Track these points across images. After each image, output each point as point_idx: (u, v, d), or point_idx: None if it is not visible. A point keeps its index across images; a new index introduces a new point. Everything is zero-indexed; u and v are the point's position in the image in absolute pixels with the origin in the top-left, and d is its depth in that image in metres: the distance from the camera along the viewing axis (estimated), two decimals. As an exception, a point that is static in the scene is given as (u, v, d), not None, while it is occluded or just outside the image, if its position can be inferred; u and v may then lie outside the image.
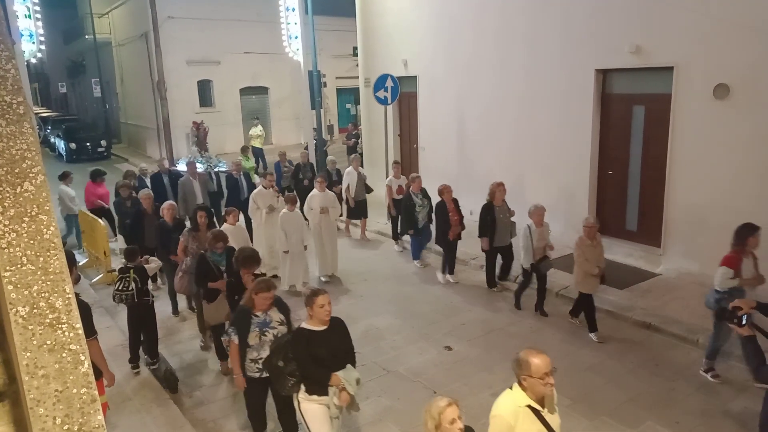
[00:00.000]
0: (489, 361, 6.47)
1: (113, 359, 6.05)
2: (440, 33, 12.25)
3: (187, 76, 22.41)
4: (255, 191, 9.48)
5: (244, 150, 14.93)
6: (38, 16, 13.55)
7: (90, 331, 4.42)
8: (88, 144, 24.10)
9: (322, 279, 9.15)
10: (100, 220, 9.54)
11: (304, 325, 4.27)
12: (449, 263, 9.02)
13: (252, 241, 8.78)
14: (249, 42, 22.57)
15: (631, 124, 9.21)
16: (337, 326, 4.33)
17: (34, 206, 1.92)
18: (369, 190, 11.34)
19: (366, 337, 7.10)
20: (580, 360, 6.53)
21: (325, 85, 23.41)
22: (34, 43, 13.35)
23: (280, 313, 4.69)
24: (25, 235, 1.87)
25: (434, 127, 12.84)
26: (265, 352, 4.49)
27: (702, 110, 7.99)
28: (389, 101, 11.99)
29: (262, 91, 24.85)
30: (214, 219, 10.27)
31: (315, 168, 12.65)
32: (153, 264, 6.71)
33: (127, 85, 26.92)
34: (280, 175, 12.39)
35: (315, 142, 15.85)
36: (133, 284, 6.14)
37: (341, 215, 10.74)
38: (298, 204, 9.03)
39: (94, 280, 9.29)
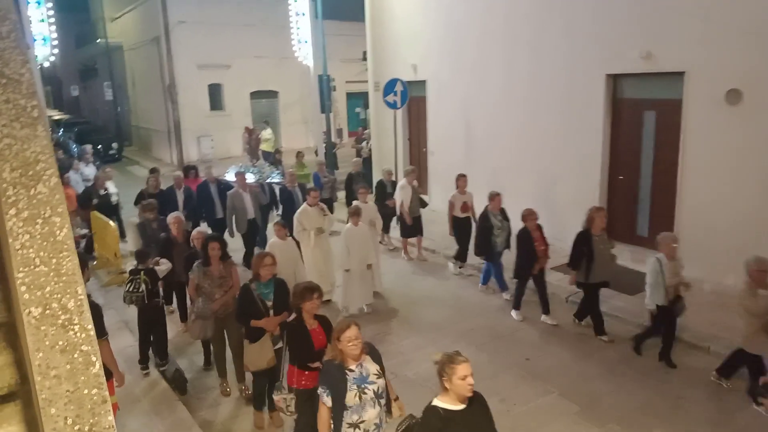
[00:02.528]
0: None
1: (123, 360, 6.09)
2: (449, 38, 12.26)
3: (197, 80, 22.57)
4: (299, 210, 8.41)
5: (298, 155, 13.69)
6: (52, 21, 13.70)
7: (101, 331, 4.45)
8: (99, 146, 24.27)
9: (365, 309, 8.17)
10: (110, 221, 9.60)
11: (437, 402, 3.35)
12: (543, 300, 7.65)
13: (302, 260, 7.89)
14: (259, 46, 22.70)
15: (642, 130, 9.17)
16: (479, 405, 3.40)
17: (48, 208, 1.94)
18: (424, 204, 10.44)
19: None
20: (589, 367, 6.49)
21: (334, 89, 23.47)
22: (47, 47, 13.51)
23: (375, 363, 3.96)
24: (39, 236, 1.89)
25: (443, 132, 12.85)
26: (367, 414, 3.79)
27: (714, 116, 7.94)
28: (399, 105, 12.02)
29: (272, 95, 24.97)
30: (254, 248, 9.65)
31: (367, 177, 11.84)
32: (164, 266, 6.74)
33: (139, 88, 27.13)
34: (320, 187, 11.55)
35: (325, 145, 15.90)
36: (143, 286, 6.19)
37: (387, 232, 10.43)
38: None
39: (105, 281, 9.37)
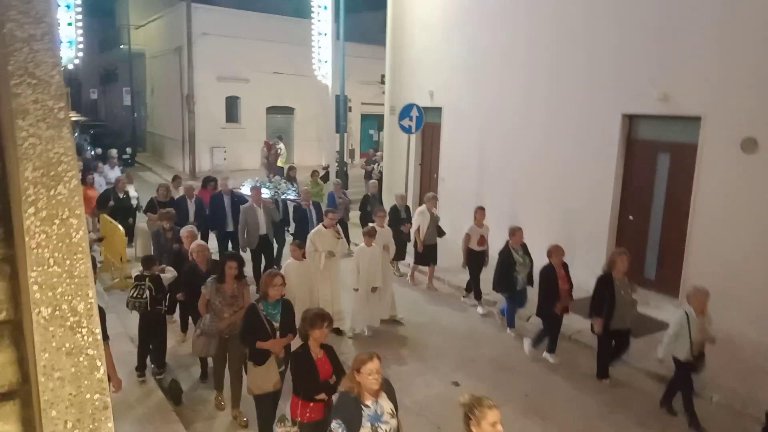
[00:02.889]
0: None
1: (120, 365, 6.04)
2: (468, 68, 12.36)
3: (215, 92, 22.86)
4: (313, 231, 8.21)
5: (313, 174, 13.61)
6: (80, 25, 13.96)
7: (103, 335, 4.43)
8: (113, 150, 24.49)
9: (366, 331, 8.11)
10: (119, 226, 9.63)
11: None
12: (552, 340, 7.43)
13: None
14: (279, 62, 23.00)
15: (655, 171, 9.16)
16: None
17: (66, 209, 1.95)
18: (441, 233, 10.11)
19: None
20: (590, 407, 6.39)
21: (350, 110, 23.69)
22: (73, 50, 13.77)
23: (390, 401, 3.78)
24: (55, 237, 1.90)
25: (456, 159, 12.89)
26: None
27: (729, 163, 7.93)
28: (413, 130, 12.09)
29: (288, 111, 25.21)
30: (278, 260, 9.70)
31: (382, 200, 11.63)
32: (169, 274, 6.73)
33: (157, 95, 27.47)
34: (335, 207, 11.21)
35: (337, 164, 15.98)
36: (147, 292, 6.18)
37: (403, 259, 10.25)
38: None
39: (109, 284, 9.36)
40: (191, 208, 9.99)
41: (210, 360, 6.31)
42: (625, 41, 9.13)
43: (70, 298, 1.87)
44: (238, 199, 10.11)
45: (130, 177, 12.45)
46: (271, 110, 24.75)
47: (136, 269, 7.23)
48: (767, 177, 7.55)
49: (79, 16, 13.81)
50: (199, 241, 6.82)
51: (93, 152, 17.00)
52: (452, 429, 4.90)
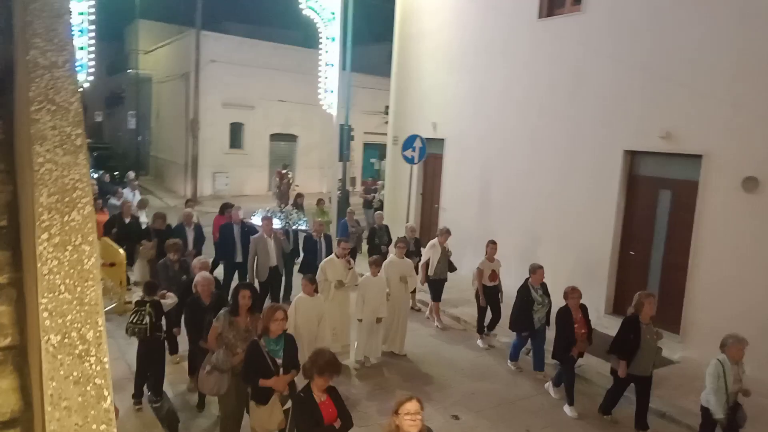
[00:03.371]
0: None
1: (117, 392, 5.94)
2: (472, 101, 12.51)
3: (220, 117, 23.07)
4: (325, 260, 8.12)
5: (319, 203, 13.36)
6: (92, 49, 14.17)
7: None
8: (116, 173, 24.61)
9: (372, 360, 8.01)
10: (120, 249, 9.60)
11: None
12: (569, 389, 6.99)
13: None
14: (284, 90, 23.29)
15: (656, 207, 9.19)
16: None
17: (79, 236, 1.95)
18: (453, 268, 9.81)
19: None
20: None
21: (352, 139, 23.90)
22: (83, 74, 13.94)
23: None
24: (67, 263, 1.89)
25: (457, 190, 12.95)
26: None
27: (730, 201, 7.97)
28: (416, 161, 12.16)
29: (291, 138, 25.42)
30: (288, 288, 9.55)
31: (390, 231, 11.47)
32: (170, 300, 6.68)
33: (162, 120, 27.72)
34: (347, 236, 11.16)
35: (339, 192, 16.03)
36: (147, 318, 6.13)
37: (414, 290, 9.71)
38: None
39: (107, 308, 9.30)
40: (190, 235, 9.72)
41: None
42: (628, 79, 9.26)
43: (79, 325, 1.86)
44: (248, 230, 9.80)
45: (144, 203, 12.38)
46: (275, 137, 24.96)
47: (137, 294, 7.17)
48: (767, 214, 7.58)
49: (92, 41, 14.01)
50: (204, 273, 6.60)
51: (109, 176, 17.03)
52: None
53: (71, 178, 2.05)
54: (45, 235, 1.92)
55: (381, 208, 15.63)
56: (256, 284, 8.87)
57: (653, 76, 8.87)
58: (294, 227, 10.66)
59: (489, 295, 8.88)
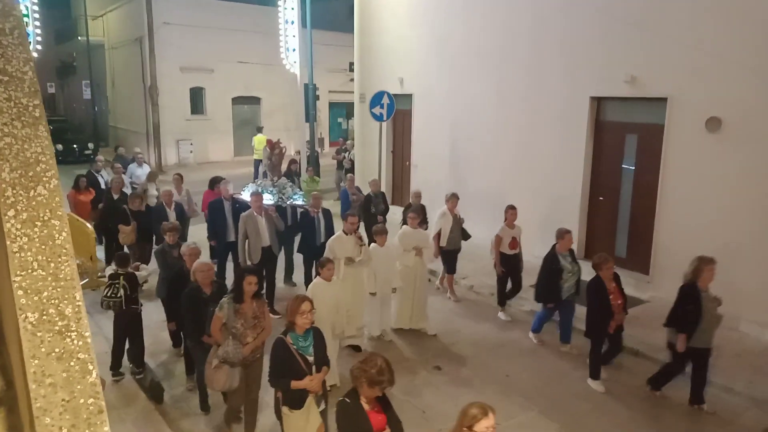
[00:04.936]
0: None
1: (98, 367, 5.93)
2: (438, 54, 12.36)
3: (179, 83, 22.40)
4: (333, 237, 7.42)
5: (308, 170, 12.36)
6: (36, 16, 13.48)
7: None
8: (75, 146, 23.84)
9: (387, 334, 7.57)
10: (87, 224, 9.39)
11: None
12: (597, 361, 6.50)
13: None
14: (244, 52, 22.65)
15: (623, 152, 9.34)
16: None
17: (47, 210, 1.89)
18: (467, 236, 9.04)
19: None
20: (569, 386, 6.53)
21: (318, 98, 23.53)
22: (30, 43, 13.28)
23: None
24: (37, 240, 1.84)
25: (427, 146, 12.92)
26: None
27: (694, 142, 8.14)
28: (385, 118, 12.06)
29: (255, 101, 24.88)
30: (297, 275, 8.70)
31: (386, 199, 10.62)
32: (144, 271, 6.60)
33: (118, 88, 26.78)
34: (348, 205, 10.50)
35: (308, 154, 15.86)
36: (122, 291, 6.06)
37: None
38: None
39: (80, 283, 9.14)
40: (171, 216, 8.79)
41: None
42: (591, 25, 9.25)
43: (56, 301, 1.82)
44: (239, 206, 9.00)
45: (154, 175, 11.83)
46: (238, 100, 24.40)
47: (111, 268, 7.03)
48: (730, 154, 7.78)
49: (35, 8, 13.30)
50: (203, 259, 6.03)
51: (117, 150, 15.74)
52: None
53: (33, 152, 1.97)
54: (11, 212, 1.85)
55: (352, 168, 15.53)
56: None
57: (616, 20, 8.87)
58: (289, 202, 9.83)
59: (509, 264, 8.27)
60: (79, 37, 27.85)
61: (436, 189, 11.70)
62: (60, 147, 23.44)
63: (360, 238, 7.30)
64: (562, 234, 7.17)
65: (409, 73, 13.13)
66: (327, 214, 8.89)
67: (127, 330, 6.29)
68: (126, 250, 8.77)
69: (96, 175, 11.88)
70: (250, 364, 5.11)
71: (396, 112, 12.49)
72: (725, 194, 7.87)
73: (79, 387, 1.71)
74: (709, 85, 7.90)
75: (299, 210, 9.66)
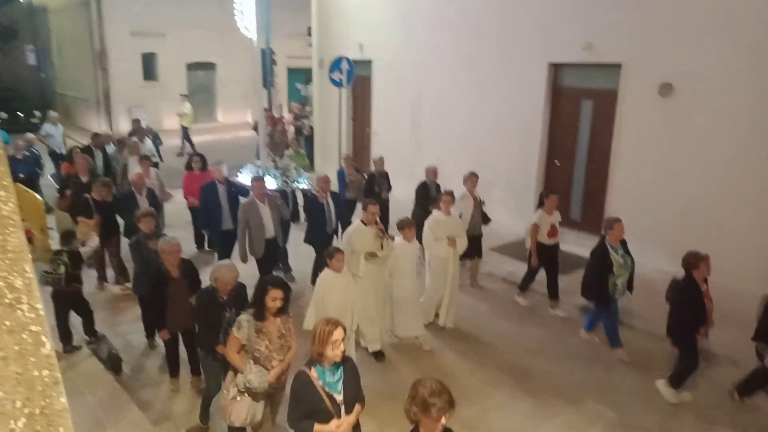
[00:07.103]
0: None
1: (52, 339, 5.80)
2: (398, 19, 12.22)
3: (130, 48, 21.50)
4: (351, 227, 6.47)
5: (292, 143, 10.80)
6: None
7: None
8: (20, 114, 22.78)
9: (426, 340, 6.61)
10: (37, 195, 9.05)
11: None
12: (685, 373, 5.58)
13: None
14: (197, 16, 21.83)
15: (579, 118, 9.53)
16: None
17: (-9, 180, 1.82)
18: (487, 220, 8.20)
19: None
20: (525, 340, 6.76)
21: (275, 64, 23.01)
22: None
23: None
24: (-19, 210, 1.77)
25: (388, 112, 12.86)
26: None
27: (646, 107, 8.35)
28: (344, 84, 11.90)
29: (210, 67, 24.15)
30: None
31: (389, 178, 9.59)
32: (88, 247, 6.36)
33: (65, 54, 25.54)
34: (345, 186, 9.57)
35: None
36: (63, 268, 5.87)
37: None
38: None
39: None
40: (143, 203, 7.63)
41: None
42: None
43: (5, 274, 1.77)
44: (236, 190, 8.05)
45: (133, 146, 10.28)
46: (192, 66, 23.61)
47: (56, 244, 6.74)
48: (680, 120, 8.02)
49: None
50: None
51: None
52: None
53: (-28, 118, 1.88)
54: (-49, 183, 1.77)
55: (312, 135, 15.34)
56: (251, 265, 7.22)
57: (574, -15, 8.92)
58: (293, 186, 8.86)
59: (547, 255, 7.40)
60: (20, 0, 26.37)
61: (397, 155, 11.71)
62: (4, 115, 22.41)
63: (381, 230, 6.33)
64: (612, 224, 6.17)
65: (368, 39, 12.97)
66: (337, 197, 7.94)
67: (68, 307, 6.09)
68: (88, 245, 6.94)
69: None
70: (275, 392, 4.39)
71: (356, 78, 12.35)
72: (676, 157, 8.14)
73: (32, 359, 1.69)
74: (661, 52, 8.08)
75: (308, 194, 8.53)
